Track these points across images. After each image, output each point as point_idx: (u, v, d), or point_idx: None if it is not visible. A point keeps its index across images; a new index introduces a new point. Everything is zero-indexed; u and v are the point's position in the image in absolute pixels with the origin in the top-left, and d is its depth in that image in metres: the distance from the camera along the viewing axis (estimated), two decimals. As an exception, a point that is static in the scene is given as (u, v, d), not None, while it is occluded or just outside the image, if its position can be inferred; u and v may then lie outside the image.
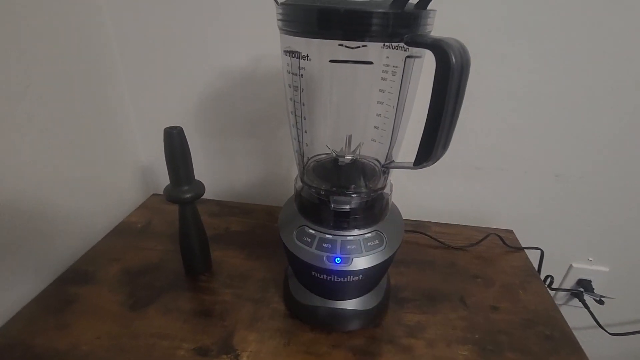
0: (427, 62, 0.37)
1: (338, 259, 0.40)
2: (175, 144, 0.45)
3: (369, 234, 0.41)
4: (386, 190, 0.43)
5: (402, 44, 0.36)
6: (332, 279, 0.41)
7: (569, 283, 0.77)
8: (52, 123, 0.53)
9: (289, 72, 0.36)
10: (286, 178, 0.74)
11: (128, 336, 0.44)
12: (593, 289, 0.76)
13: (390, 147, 0.41)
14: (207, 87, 0.66)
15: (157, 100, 0.69)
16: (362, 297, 0.46)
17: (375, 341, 0.45)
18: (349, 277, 0.40)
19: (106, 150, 0.65)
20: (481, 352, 0.44)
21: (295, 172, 0.73)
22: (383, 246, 0.41)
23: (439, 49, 0.27)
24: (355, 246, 0.40)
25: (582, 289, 0.76)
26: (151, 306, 0.49)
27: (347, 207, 0.39)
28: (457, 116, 0.30)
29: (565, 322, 0.49)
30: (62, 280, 0.53)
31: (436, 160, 0.33)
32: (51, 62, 0.52)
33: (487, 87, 0.58)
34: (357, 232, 0.41)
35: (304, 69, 0.34)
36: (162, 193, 0.74)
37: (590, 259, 0.74)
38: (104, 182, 0.64)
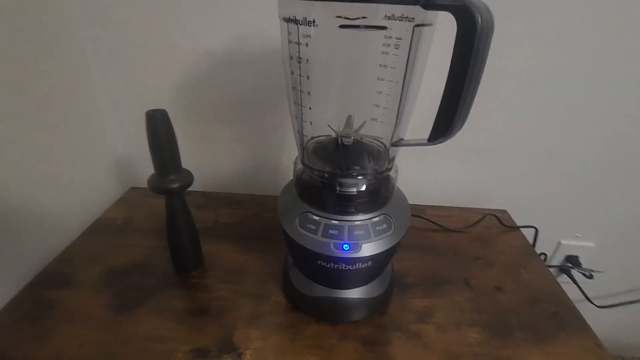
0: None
1: (346, 245, 0.37)
2: (160, 129, 0.41)
3: (377, 218, 0.39)
4: (392, 173, 0.41)
5: (406, 15, 0.34)
6: (340, 267, 0.38)
7: (558, 259, 0.78)
8: (9, 112, 0.47)
9: (290, 42, 0.32)
10: (275, 166, 0.70)
11: (117, 342, 0.41)
12: (581, 264, 0.77)
13: (397, 125, 0.39)
14: (187, 70, 0.61)
15: (131, 85, 0.63)
16: (368, 285, 0.43)
17: (384, 329, 0.43)
18: (357, 264, 0.38)
19: (76, 140, 0.59)
20: (492, 334, 0.43)
21: (285, 159, 0.69)
22: (391, 230, 0.39)
23: (463, 9, 0.25)
24: (363, 231, 0.38)
25: (570, 265, 0.78)
26: (140, 307, 0.45)
27: (354, 190, 0.37)
28: (479, 85, 0.28)
29: (569, 298, 0.49)
30: (37, 284, 0.48)
31: (454, 135, 0.31)
32: (4, 42, 0.46)
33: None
34: (364, 216, 0.38)
35: (309, 36, 0.31)
36: (140, 186, 0.70)
37: (578, 235, 0.76)
38: (75, 175, 0.59)
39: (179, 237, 0.48)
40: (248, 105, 0.64)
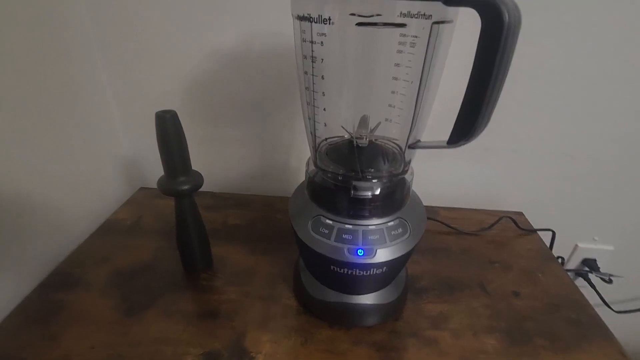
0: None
1: (360, 250, 0.36)
2: (169, 130, 0.40)
3: (392, 222, 0.37)
4: (407, 175, 0.39)
5: (423, 12, 0.32)
6: (354, 273, 0.37)
7: (574, 262, 0.76)
8: (17, 113, 0.46)
9: (304, 41, 0.31)
10: (284, 166, 0.69)
11: (127, 344, 0.40)
12: (598, 267, 0.75)
13: (413, 127, 0.37)
14: (195, 69, 0.60)
15: (140, 85, 0.63)
16: (382, 290, 0.42)
17: (398, 335, 0.42)
18: (372, 270, 0.37)
19: (84, 141, 0.58)
20: (509, 341, 0.42)
21: (293, 159, 0.68)
22: (407, 234, 0.38)
23: (490, 5, 0.24)
24: (378, 236, 0.37)
25: (587, 268, 0.76)
26: (149, 310, 0.44)
27: (369, 193, 0.36)
28: (503, 85, 0.27)
29: (589, 304, 0.47)
30: (46, 285, 0.47)
31: (475, 137, 0.29)
32: (12, 42, 0.45)
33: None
34: (379, 220, 0.37)
35: (324, 34, 0.30)
36: (149, 186, 0.70)
37: (595, 238, 0.74)
38: (84, 176, 0.59)
39: (188, 239, 0.48)
40: (256, 105, 0.63)
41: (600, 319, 0.45)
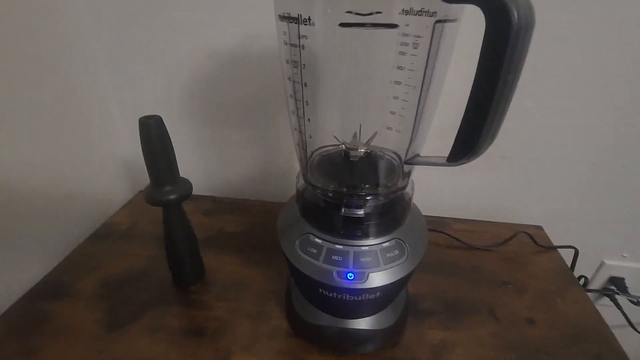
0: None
1: (351, 274, 0.33)
2: (153, 137, 0.38)
3: (387, 243, 0.34)
4: (407, 190, 0.35)
5: (426, 9, 0.28)
6: (344, 298, 0.34)
7: (599, 281, 0.70)
8: (13, 114, 0.45)
9: (286, 44, 0.28)
10: (286, 171, 0.66)
11: (105, 363, 0.38)
12: (627, 287, 0.69)
13: (413, 138, 0.33)
14: (195, 70, 0.58)
15: (140, 87, 0.61)
16: (377, 315, 0.39)
17: (395, 365, 0.39)
18: (364, 295, 0.33)
19: (83, 144, 0.57)
20: (519, 377, 0.37)
21: (296, 163, 0.65)
22: (404, 257, 0.34)
23: (495, 2, 0.20)
24: (371, 258, 0.33)
25: (614, 287, 0.69)
26: (133, 325, 0.42)
27: (362, 212, 0.32)
28: (512, 95, 0.22)
29: (614, 336, 0.42)
30: (34, 294, 0.46)
31: (479, 155, 0.25)
32: (10, 42, 0.44)
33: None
34: (373, 241, 0.34)
35: (306, 37, 0.26)
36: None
37: (624, 255, 0.67)
38: (83, 180, 0.57)
39: (176, 251, 0.45)
40: (258, 107, 0.60)
41: (625, 355, 0.40)
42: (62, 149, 0.53)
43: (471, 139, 0.24)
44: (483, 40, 0.21)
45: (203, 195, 0.66)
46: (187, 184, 0.43)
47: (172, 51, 0.57)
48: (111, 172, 0.65)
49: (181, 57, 0.57)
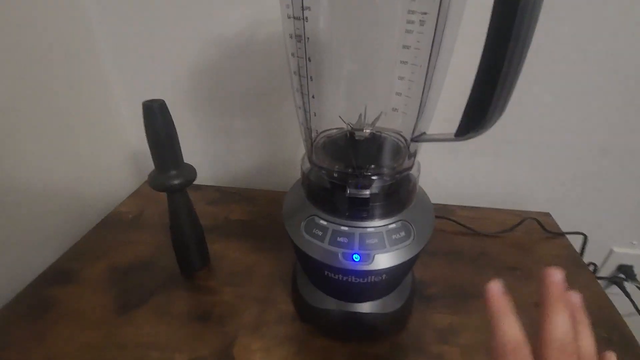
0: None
1: (356, 256, 0.32)
2: (157, 121, 0.38)
3: (393, 225, 0.33)
4: (413, 171, 0.35)
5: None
6: (350, 280, 0.34)
7: (608, 269, 0.69)
8: (19, 105, 0.45)
9: (289, 17, 0.27)
10: (292, 159, 0.66)
11: (113, 346, 0.38)
12: (635, 275, 0.68)
13: (419, 117, 0.33)
14: (200, 58, 0.58)
15: (145, 75, 0.61)
16: (383, 298, 0.38)
17: (401, 349, 0.38)
18: (369, 277, 0.33)
19: (89, 134, 0.57)
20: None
21: (302, 152, 0.65)
22: (410, 239, 0.34)
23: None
24: (376, 240, 0.33)
25: (622, 275, 0.68)
26: (141, 309, 0.42)
27: (367, 192, 0.32)
28: (522, 66, 0.22)
29: (624, 322, 0.41)
30: (42, 280, 0.46)
31: (487, 129, 0.25)
32: (11, 30, 0.44)
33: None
34: (378, 222, 0.33)
35: (309, 8, 0.26)
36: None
37: (634, 242, 0.66)
38: (90, 168, 0.58)
39: (182, 237, 0.45)
40: (263, 95, 0.60)
41: (634, 339, 0.39)
42: (68, 140, 0.53)
43: (480, 110, 0.23)
44: (493, 6, 0.20)
45: (207, 185, 0.66)
46: (191, 169, 0.43)
47: (176, 39, 0.57)
48: (117, 162, 0.65)
49: (186, 44, 0.57)
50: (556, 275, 0.22)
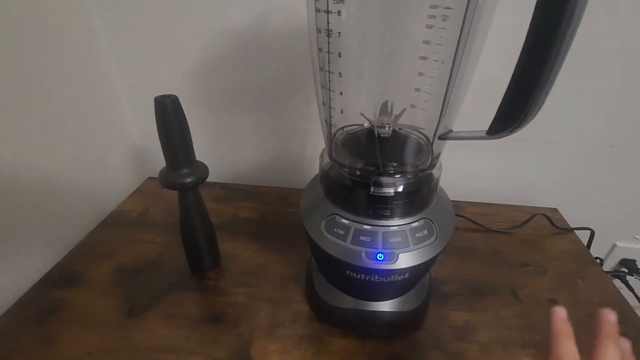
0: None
1: (380, 255, 0.32)
2: (170, 117, 0.36)
3: (416, 223, 0.33)
4: (434, 171, 0.34)
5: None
6: (372, 279, 0.33)
7: (611, 263, 0.70)
8: (16, 99, 0.43)
9: (318, 11, 0.26)
10: (299, 156, 0.65)
11: (125, 350, 0.37)
12: (638, 269, 0.69)
13: (443, 114, 0.32)
14: (204, 52, 0.56)
15: (148, 69, 0.59)
16: (402, 297, 0.38)
17: (419, 347, 0.38)
18: (393, 276, 0.33)
19: (90, 129, 0.55)
20: (546, 357, 0.37)
21: (310, 148, 0.64)
22: (434, 237, 0.33)
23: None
24: (400, 239, 0.32)
25: (625, 269, 0.69)
26: (151, 312, 0.41)
27: (392, 190, 0.31)
28: (564, 60, 0.21)
29: (637, 315, 0.42)
30: (45, 282, 0.45)
31: (523, 127, 0.24)
32: (10, 25, 0.42)
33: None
34: (401, 221, 0.33)
35: (343, 2, 0.25)
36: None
37: (637, 237, 0.67)
38: (91, 166, 0.56)
39: (193, 236, 0.44)
40: (270, 90, 0.59)
41: (652, 334, 0.39)
42: (68, 137, 0.51)
43: (517, 109, 0.23)
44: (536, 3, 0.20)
45: (213, 182, 0.65)
46: (204, 167, 0.42)
47: (180, 33, 0.55)
48: (119, 160, 0.63)
49: (190, 38, 0.55)
50: (610, 316, 0.26)
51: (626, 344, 0.26)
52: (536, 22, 0.20)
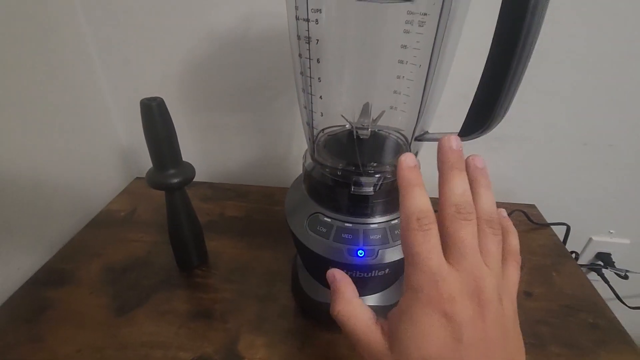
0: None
1: (361, 251, 0.33)
2: (156, 120, 0.37)
3: (396, 221, 0.34)
4: (413, 168, 0.36)
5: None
6: (354, 275, 0.34)
7: (588, 257, 0.73)
8: (2, 98, 0.44)
9: (297, 19, 0.27)
10: (284, 155, 0.66)
11: (115, 347, 0.38)
12: (613, 262, 0.72)
13: (420, 116, 0.34)
14: (190, 53, 0.57)
15: (134, 70, 0.59)
16: (385, 291, 0.40)
17: (401, 339, 0.40)
18: (373, 272, 0.34)
19: (78, 130, 0.56)
20: (521, 347, 0.39)
21: (295, 148, 0.65)
22: (412, 234, 0.34)
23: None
24: (380, 235, 0.34)
25: (601, 263, 0.72)
26: (140, 309, 0.42)
27: (371, 190, 0.33)
28: (528, 64, 0.23)
29: (608, 307, 0.44)
30: (35, 282, 0.45)
31: (492, 129, 0.26)
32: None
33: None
34: (381, 218, 0.34)
35: (319, 11, 0.26)
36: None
37: (611, 231, 0.70)
38: (78, 167, 0.56)
39: (181, 234, 0.45)
40: (256, 91, 0.60)
41: (620, 324, 0.42)
42: (55, 136, 0.52)
43: (485, 112, 0.24)
44: (501, 5, 0.21)
45: (200, 182, 0.65)
46: (190, 168, 0.43)
47: (166, 34, 0.56)
48: (106, 160, 0.63)
49: (176, 39, 0.56)
50: (452, 142, 0.23)
51: (478, 161, 0.25)
52: (499, 31, 0.21)
